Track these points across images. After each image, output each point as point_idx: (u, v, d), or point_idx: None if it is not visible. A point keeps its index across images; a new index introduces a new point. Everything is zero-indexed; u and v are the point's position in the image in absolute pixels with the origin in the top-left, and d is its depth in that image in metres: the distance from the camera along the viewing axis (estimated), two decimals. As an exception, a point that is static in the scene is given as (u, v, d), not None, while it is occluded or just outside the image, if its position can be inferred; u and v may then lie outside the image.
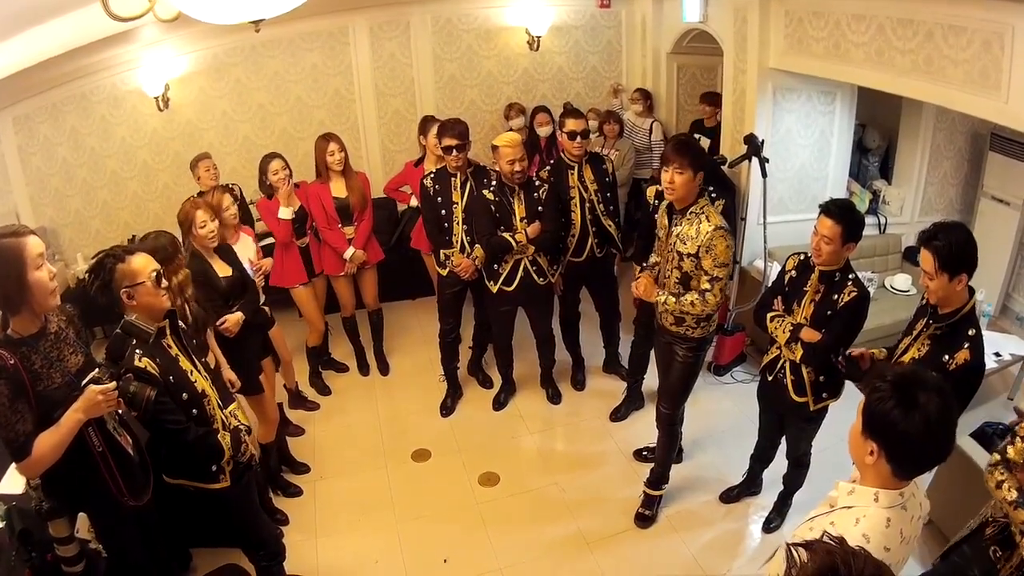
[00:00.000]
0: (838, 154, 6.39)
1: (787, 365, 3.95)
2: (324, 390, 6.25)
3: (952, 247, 3.02)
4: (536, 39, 7.98)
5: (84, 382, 2.81)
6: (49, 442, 2.71)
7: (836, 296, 3.67)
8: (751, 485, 4.79)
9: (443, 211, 5.32)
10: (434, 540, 4.53)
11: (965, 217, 6.72)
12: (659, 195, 4.52)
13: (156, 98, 6.88)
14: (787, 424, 4.25)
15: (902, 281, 6.39)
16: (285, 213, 5.43)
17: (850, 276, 3.71)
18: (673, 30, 7.45)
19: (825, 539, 1.53)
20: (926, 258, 3.08)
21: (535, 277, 5.21)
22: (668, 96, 7.91)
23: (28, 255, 2.68)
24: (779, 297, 4.00)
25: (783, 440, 4.39)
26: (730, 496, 4.78)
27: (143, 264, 3.01)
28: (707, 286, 3.94)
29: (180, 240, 4.10)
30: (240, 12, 2.34)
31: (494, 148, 5.09)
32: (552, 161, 5.53)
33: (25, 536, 2.94)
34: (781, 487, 4.48)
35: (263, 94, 7.41)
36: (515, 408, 5.90)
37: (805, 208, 6.31)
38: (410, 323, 7.10)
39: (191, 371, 3.20)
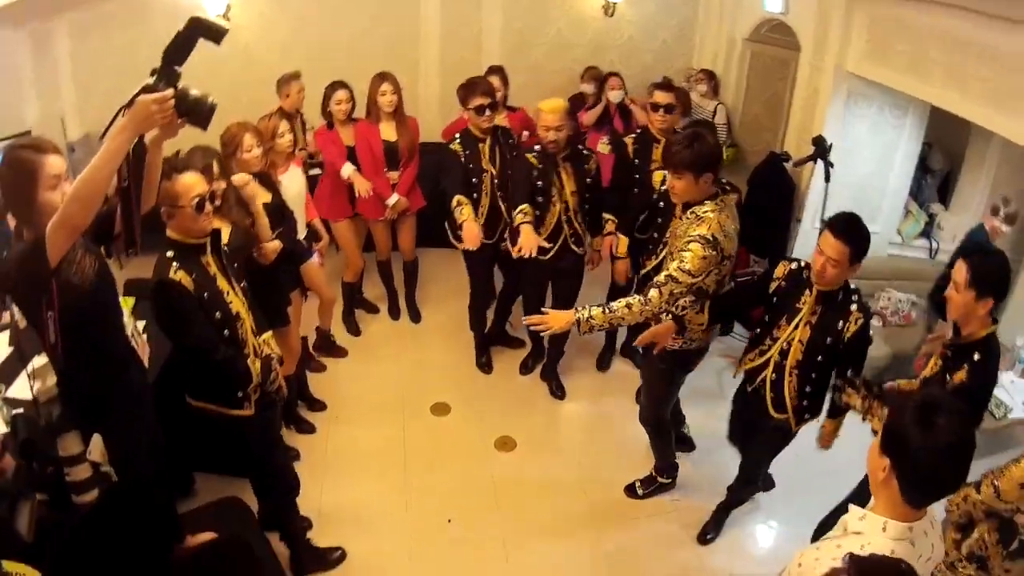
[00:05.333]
0: (901, 170, 6.21)
1: (768, 379, 3.65)
2: (355, 330, 6.25)
3: (989, 266, 2.94)
4: (612, 5, 7.80)
5: (134, 94, 2.43)
6: (86, 173, 2.43)
7: (840, 323, 3.36)
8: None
9: (473, 179, 5.07)
10: (441, 497, 4.52)
11: (1017, 256, 6.51)
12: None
13: (217, 17, 6.82)
14: (757, 437, 3.94)
15: (947, 308, 6.22)
16: (346, 169, 5.43)
17: (853, 296, 3.39)
18: (752, 16, 7.22)
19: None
20: (960, 269, 2.97)
21: (572, 245, 4.93)
22: (738, 83, 7.67)
23: (43, 175, 2.63)
24: (759, 309, 3.72)
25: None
26: (705, 538, 4.37)
27: (188, 187, 2.98)
28: (661, 280, 3.50)
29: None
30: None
31: (538, 111, 4.78)
32: (636, 132, 5.20)
33: (27, 446, 2.92)
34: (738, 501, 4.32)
35: (323, 27, 7.34)
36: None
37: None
38: (446, 272, 6.92)
39: (227, 292, 3.19)
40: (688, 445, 4.98)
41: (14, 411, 3.30)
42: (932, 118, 6.01)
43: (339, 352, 5.94)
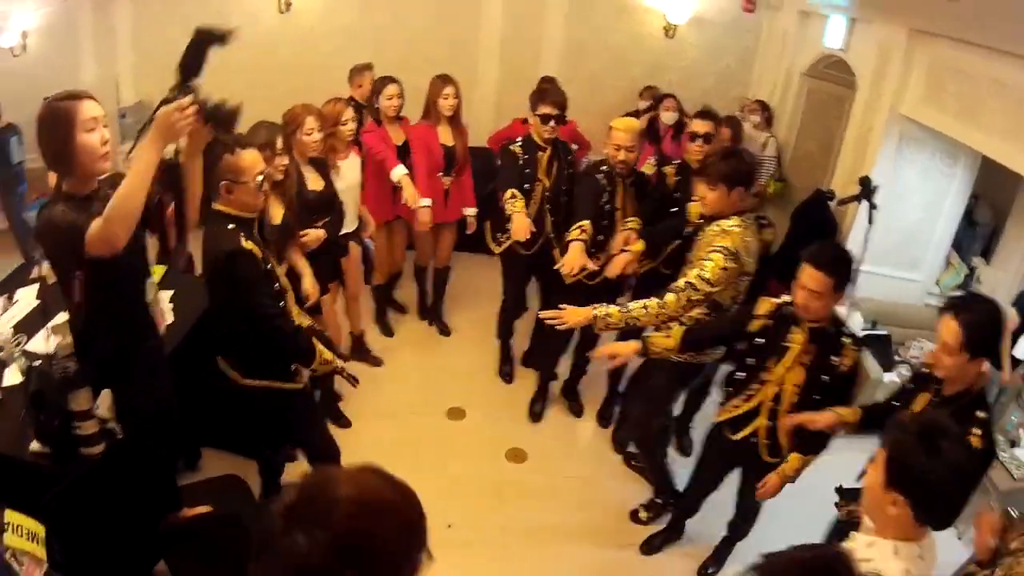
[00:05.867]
0: (947, 220, 6.10)
1: (763, 427, 3.48)
2: (388, 331, 6.21)
3: (983, 323, 2.70)
4: (673, 27, 7.83)
5: (154, 109, 2.57)
6: (121, 190, 2.52)
7: (835, 359, 3.23)
8: (673, 532, 4.41)
9: (525, 185, 4.80)
10: (445, 502, 4.44)
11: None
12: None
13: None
14: (746, 479, 3.79)
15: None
16: (396, 172, 5.14)
17: (844, 330, 3.29)
18: (812, 51, 7.17)
19: None
20: (950, 329, 2.70)
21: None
22: (792, 117, 7.60)
23: (79, 117, 2.65)
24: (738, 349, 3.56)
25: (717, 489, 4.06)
26: (652, 546, 4.38)
27: (251, 163, 3.06)
28: (680, 285, 3.51)
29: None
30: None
31: (609, 128, 4.59)
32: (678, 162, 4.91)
33: (37, 397, 2.97)
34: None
35: (386, 18, 7.47)
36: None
37: (902, 266, 6.10)
38: (479, 278, 6.76)
39: (274, 266, 3.30)
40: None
41: (32, 363, 3.38)
42: (982, 170, 5.92)
43: (374, 360, 5.77)
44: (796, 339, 3.28)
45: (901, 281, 6.11)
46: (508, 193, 4.65)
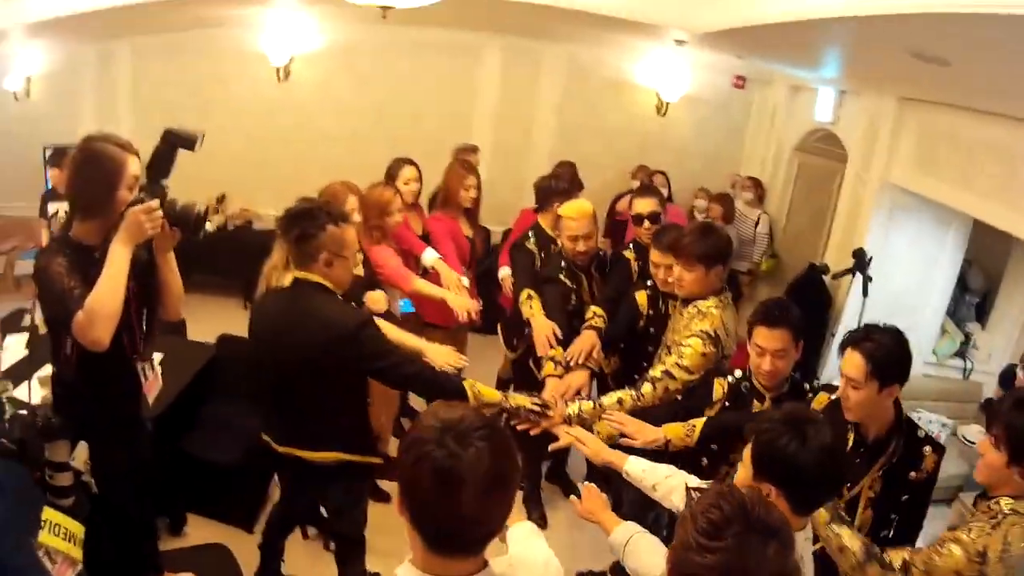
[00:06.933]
0: (940, 287, 6.06)
1: None
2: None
3: (889, 350, 2.52)
4: (665, 104, 7.96)
5: (123, 209, 2.62)
6: (99, 290, 2.54)
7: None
8: None
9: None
10: None
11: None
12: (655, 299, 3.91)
13: (279, 68, 7.17)
14: None
15: (976, 432, 6.00)
16: (430, 256, 4.53)
17: (796, 376, 3.07)
18: (802, 125, 7.30)
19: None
20: (852, 361, 2.54)
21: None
22: (783, 192, 7.69)
23: (127, 172, 2.67)
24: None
25: None
26: None
27: (353, 240, 3.01)
28: (656, 375, 3.29)
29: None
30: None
31: (558, 217, 4.14)
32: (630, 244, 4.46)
33: (19, 445, 2.92)
34: None
35: (383, 91, 7.59)
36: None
37: (895, 336, 6.01)
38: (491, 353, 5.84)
39: None
40: None
41: (16, 411, 3.26)
42: (973, 235, 5.93)
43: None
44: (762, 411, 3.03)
45: (893, 352, 5.95)
46: (523, 295, 4.14)
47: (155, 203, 2.62)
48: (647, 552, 2.30)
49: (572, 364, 3.65)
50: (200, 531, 4.25)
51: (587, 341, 3.74)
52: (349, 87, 7.52)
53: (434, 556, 1.55)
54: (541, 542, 2.13)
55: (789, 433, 1.93)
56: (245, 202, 7.54)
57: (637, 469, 2.76)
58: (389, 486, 4.69)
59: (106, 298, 2.55)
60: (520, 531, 2.16)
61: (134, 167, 2.70)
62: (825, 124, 6.71)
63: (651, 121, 8.14)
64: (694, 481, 2.51)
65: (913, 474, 2.66)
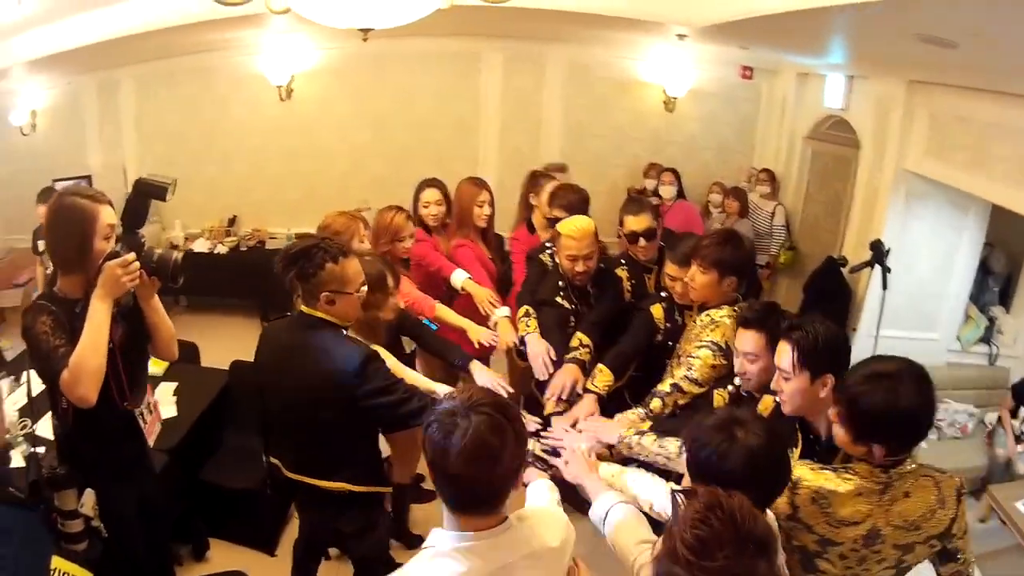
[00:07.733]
0: (962, 273, 5.96)
1: None
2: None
3: (817, 339, 2.40)
4: (672, 100, 7.87)
5: (100, 261, 2.65)
6: (81, 348, 2.56)
7: None
8: None
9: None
10: None
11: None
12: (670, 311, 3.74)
13: (279, 88, 7.19)
14: None
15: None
16: (459, 276, 4.28)
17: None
18: (813, 113, 7.20)
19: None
20: (782, 351, 2.47)
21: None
22: (798, 183, 7.58)
23: (99, 223, 2.67)
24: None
25: None
26: None
27: (356, 273, 2.88)
28: (665, 390, 3.22)
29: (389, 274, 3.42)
30: (348, 19, 2.33)
31: (558, 235, 3.88)
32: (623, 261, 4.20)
33: (32, 487, 2.92)
34: None
35: (385, 105, 7.56)
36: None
37: (919, 326, 5.93)
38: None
39: None
40: None
41: (33, 448, 3.32)
42: (993, 218, 5.81)
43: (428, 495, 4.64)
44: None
45: (918, 342, 5.84)
46: (521, 311, 3.96)
47: (131, 256, 2.66)
48: (626, 532, 2.29)
49: (558, 399, 3.48)
50: (222, 556, 4.28)
51: (568, 376, 3.54)
52: (351, 102, 7.50)
53: (452, 513, 1.81)
54: (554, 496, 2.38)
55: (717, 439, 1.95)
56: (256, 222, 7.58)
57: (607, 474, 2.76)
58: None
59: (88, 354, 2.57)
60: (536, 488, 2.41)
61: (107, 217, 2.70)
62: (836, 111, 6.61)
63: (659, 117, 8.05)
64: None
65: None
